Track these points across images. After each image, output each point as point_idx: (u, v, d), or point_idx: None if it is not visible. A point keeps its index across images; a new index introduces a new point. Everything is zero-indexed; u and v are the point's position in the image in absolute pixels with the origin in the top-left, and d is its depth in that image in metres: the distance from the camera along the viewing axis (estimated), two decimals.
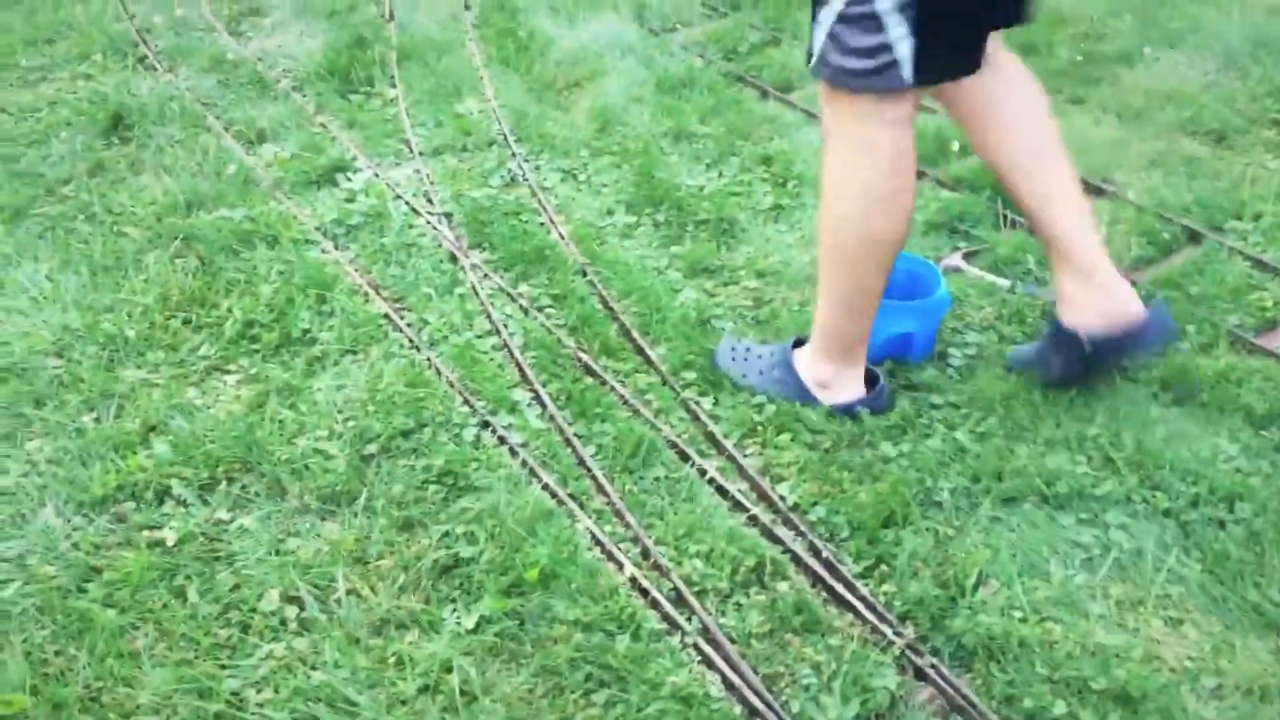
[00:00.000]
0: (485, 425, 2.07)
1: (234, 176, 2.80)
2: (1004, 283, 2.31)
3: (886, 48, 1.67)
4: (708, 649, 1.64)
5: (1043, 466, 1.89)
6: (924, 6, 1.65)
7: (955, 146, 2.77)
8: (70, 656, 1.68)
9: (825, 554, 1.78)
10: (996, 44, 1.85)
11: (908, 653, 1.62)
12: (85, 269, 2.51)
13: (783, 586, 1.74)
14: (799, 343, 2.09)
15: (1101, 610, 1.67)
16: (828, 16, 1.70)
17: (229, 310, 2.37)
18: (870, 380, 2.05)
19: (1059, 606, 1.67)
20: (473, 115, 3.05)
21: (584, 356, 2.21)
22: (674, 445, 2.01)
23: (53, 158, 2.94)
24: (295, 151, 2.92)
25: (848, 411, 2.02)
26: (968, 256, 2.41)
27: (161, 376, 2.22)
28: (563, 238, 2.56)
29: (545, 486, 1.93)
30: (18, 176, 2.85)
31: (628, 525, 1.86)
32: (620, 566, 1.78)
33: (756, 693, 1.57)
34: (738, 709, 1.56)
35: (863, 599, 1.70)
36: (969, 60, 1.79)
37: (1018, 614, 1.66)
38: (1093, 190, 2.60)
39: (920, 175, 2.67)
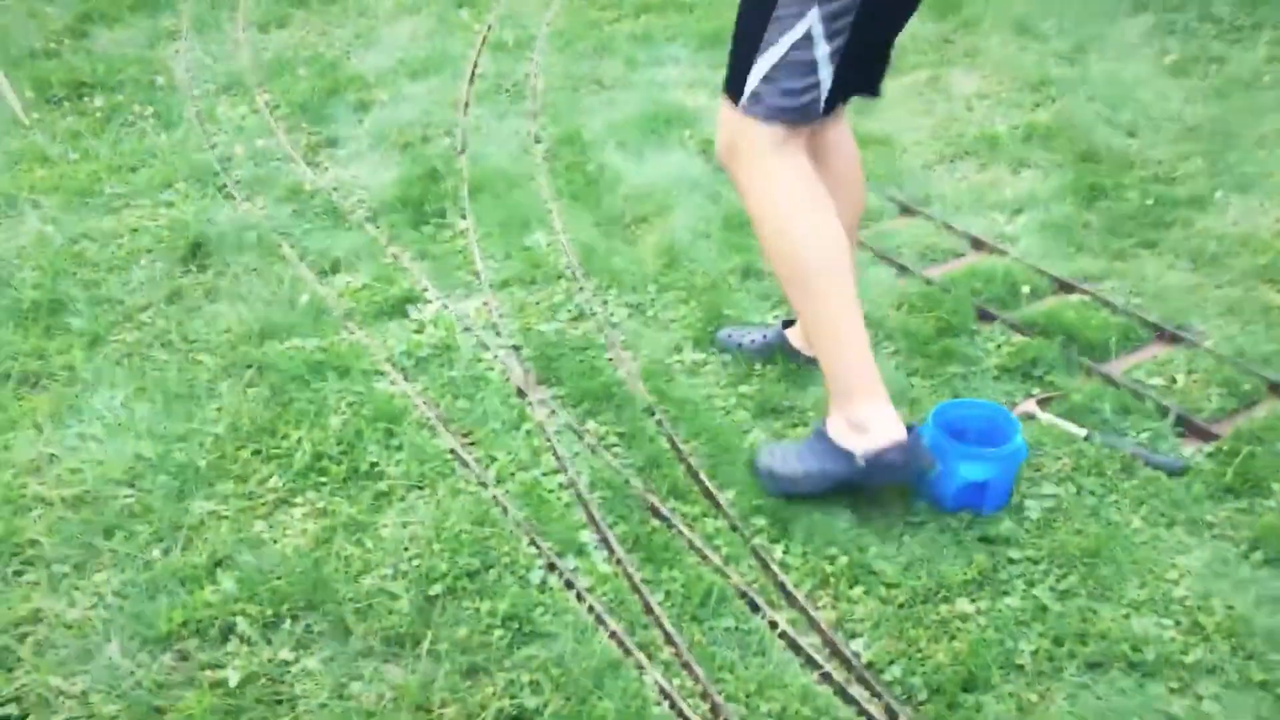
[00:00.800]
0: (551, 568, 2.04)
1: (307, 306, 2.85)
2: (1080, 431, 2.27)
3: (814, 87, 1.91)
4: None
5: (1128, 630, 1.83)
6: (847, 53, 1.89)
7: (1026, 289, 2.74)
8: None
9: (902, 718, 1.72)
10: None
11: None
12: (159, 397, 2.54)
13: None
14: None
15: None
16: (767, 62, 1.89)
17: (298, 441, 2.37)
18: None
19: None
20: (541, 248, 3.09)
21: (651, 498, 2.19)
22: (744, 594, 1.97)
23: (132, 284, 3.01)
24: (367, 282, 2.97)
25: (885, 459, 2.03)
26: (1042, 403, 2.37)
27: (230, 509, 2.23)
28: (630, 374, 2.56)
29: (613, 634, 1.89)
30: (98, 303, 2.91)
31: (696, 679, 1.81)
32: None
33: None
34: None
35: None
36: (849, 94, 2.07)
37: None
38: (1169, 338, 2.57)
39: (990, 319, 2.67)
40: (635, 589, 1.99)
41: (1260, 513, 2.03)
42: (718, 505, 2.17)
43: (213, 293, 2.97)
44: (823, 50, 1.88)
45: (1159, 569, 1.94)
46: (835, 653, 1.85)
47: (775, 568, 2.01)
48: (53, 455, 2.39)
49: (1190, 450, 2.23)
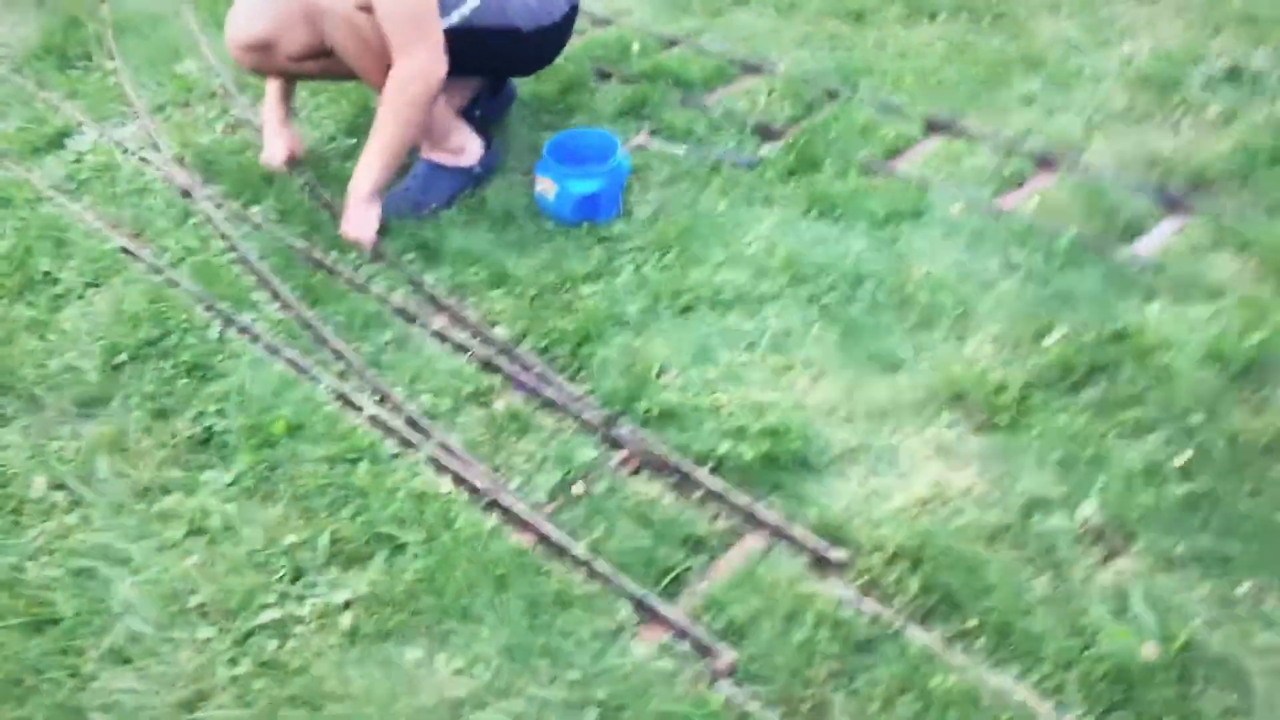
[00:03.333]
0: (229, 323, 2.27)
1: None
2: (679, 150, 2.66)
3: None
4: (440, 457, 1.91)
5: (712, 281, 2.24)
6: None
7: (636, 48, 3.11)
8: None
9: (535, 370, 2.08)
10: None
11: (603, 429, 1.94)
12: None
13: (499, 404, 2.04)
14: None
15: (759, 378, 2.02)
16: None
17: None
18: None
19: (726, 380, 2.02)
20: (193, 74, 3.21)
21: (316, 254, 2.44)
22: (401, 311, 2.27)
23: None
24: (19, 125, 3.02)
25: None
26: (652, 133, 2.75)
27: None
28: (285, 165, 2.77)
29: (289, 361, 2.16)
30: None
31: (363, 379, 2.11)
32: (360, 410, 2.03)
33: (480, 481, 1.85)
34: (465, 496, 1.84)
35: (567, 398, 2.01)
36: None
37: (692, 390, 2.00)
38: (753, 69, 2.99)
39: (607, 76, 3.03)
40: (306, 325, 2.26)
41: (814, 183, 2.49)
42: (378, 252, 2.45)
43: None
44: None
45: (738, 235, 2.36)
46: (481, 338, 2.19)
47: (427, 288, 2.32)
48: None
49: (766, 150, 2.66)
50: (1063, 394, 1.91)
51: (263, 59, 2.55)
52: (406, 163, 2.55)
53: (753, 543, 1.73)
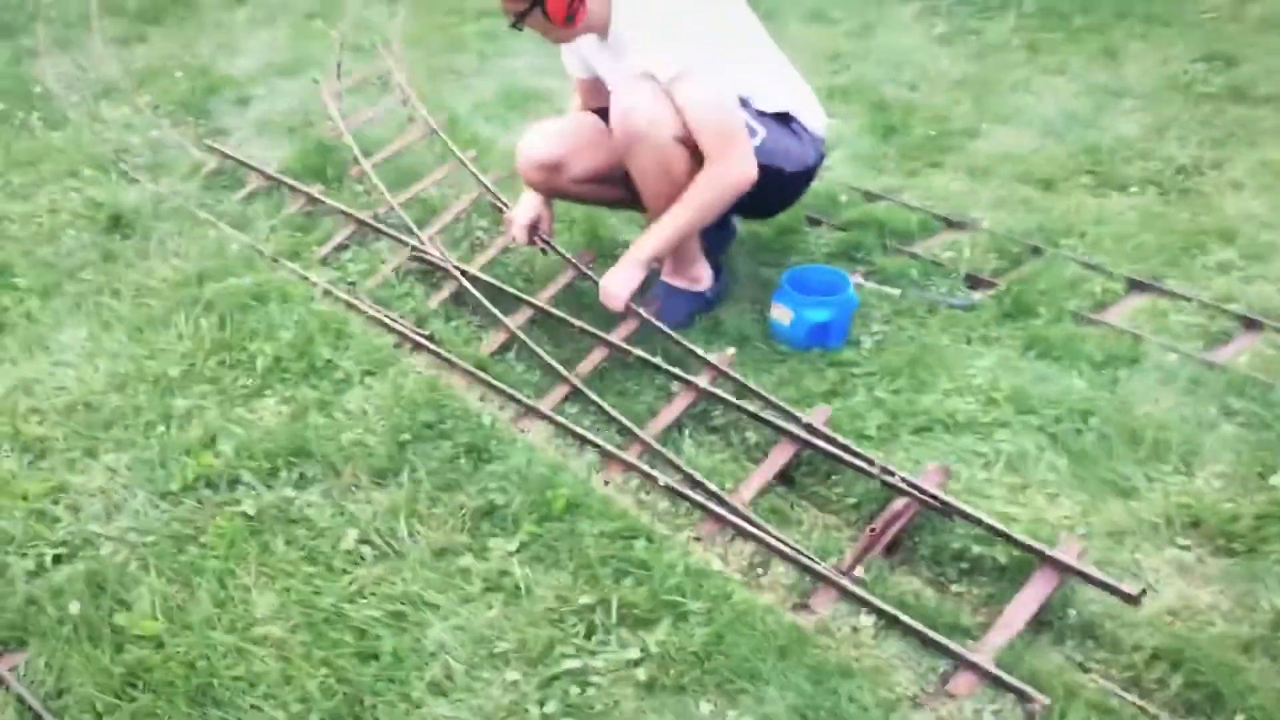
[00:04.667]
0: (501, 409, 2.52)
1: (238, 253, 3.24)
2: (895, 291, 2.90)
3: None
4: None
5: (943, 406, 2.44)
6: None
7: (844, 199, 3.40)
8: (188, 593, 2.06)
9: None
10: None
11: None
12: (120, 329, 2.89)
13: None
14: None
15: (999, 494, 2.20)
16: None
17: (257, 350, 2.78)
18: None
19: (968, 494, 2.20)
20: (433, 196, 3.57)
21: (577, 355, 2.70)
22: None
23: (64, 251, 3.32)
24: (290, 232, 3.38)
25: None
26: (866, 276, 3.00)
27: (210, 402, 2.61)
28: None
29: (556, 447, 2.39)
30: (38, 265, 3.22)
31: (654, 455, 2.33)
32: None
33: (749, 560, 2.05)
34: (738, 576, 2.03)
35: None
36: None
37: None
38: (956, 226, 3.25)
39: (818, 223, 3.31)
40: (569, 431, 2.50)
41: (1030, 328, 2.70)
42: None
43: (143, 253, 3.32)
44: None
45: (962, 368, 2.57)
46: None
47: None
48: (35, 379, 2.72)
49: (978, 295, 2.89)
50: None
51: (550, 177, 2.86)
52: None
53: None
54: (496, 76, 4.69)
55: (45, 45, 5.23)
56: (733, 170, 2.53)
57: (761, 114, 2.66)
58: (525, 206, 2.98)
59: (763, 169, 2.56)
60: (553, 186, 2.90)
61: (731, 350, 2.58)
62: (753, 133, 2.59)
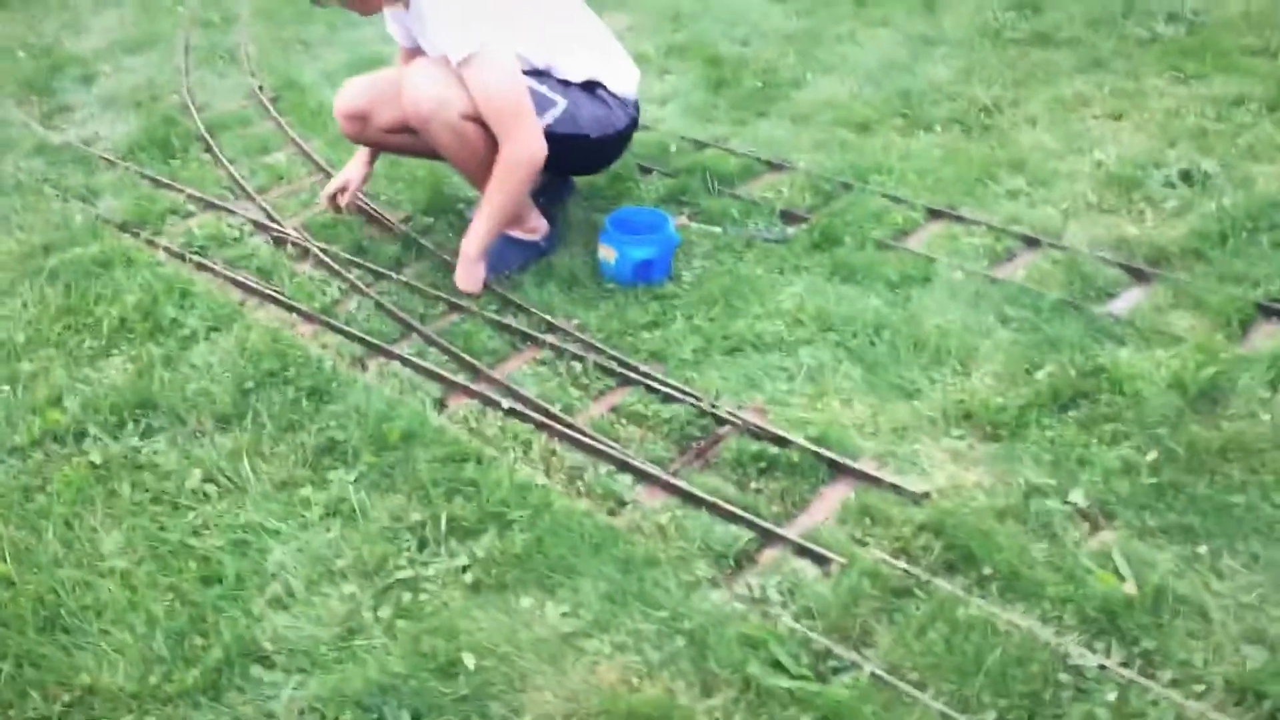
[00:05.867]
0: (340, 356, 2.66)
1: (82, 224, 3.29)
2: (716, 229, 3.10)
3: None
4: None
5: (753, 330, 2.65)
6: None
7: (673, 148, 3.58)
8: (38, 537, 2.16)
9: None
10: None
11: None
12: None
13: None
14: None
15: (799, 403, 2.42)
16: None
17: (103, 314, 2.86)
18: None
19: (772, 404, 2.41)
20: (282, 163, 3.66)
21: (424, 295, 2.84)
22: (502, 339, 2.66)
23: None
24: (133, 201, 3.44)
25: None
26: (691, 217, 3.19)
27: (56, 364, 2.69)
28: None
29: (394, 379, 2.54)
30: None
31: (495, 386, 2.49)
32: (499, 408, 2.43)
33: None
34: (559, 487, 2.21)
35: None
36: None
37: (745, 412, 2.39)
38: (777, 168, 3.47)
39: (649, 171, 3.49)
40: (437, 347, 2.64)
41: (835, 256, 2.92)
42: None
43: None
44: None
45: (773, 295, 2.78)
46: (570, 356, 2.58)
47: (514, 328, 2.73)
48: None
49: (791, 230, 3.11)
50: (1053, 414, 2.31)
51: (360, 128, 3.01)
52: None
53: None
54: (345, 47, 4.77)
55: None
56: (522, 149, 2.71)
57: (566, 83, 2.82)
58: (340, 174, 3.19)
59: (567, 137, 2.75)
60: (364, 137, 3.06)
61: (576, 320, 2.76)
62: (551, 104, 2.78)
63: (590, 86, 2.86)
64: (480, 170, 2.79)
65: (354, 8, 2.79)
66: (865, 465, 2.21)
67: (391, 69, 3.10)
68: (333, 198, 3.17)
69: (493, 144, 2.73)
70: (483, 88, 2.65)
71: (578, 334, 2.68)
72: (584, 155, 2.94)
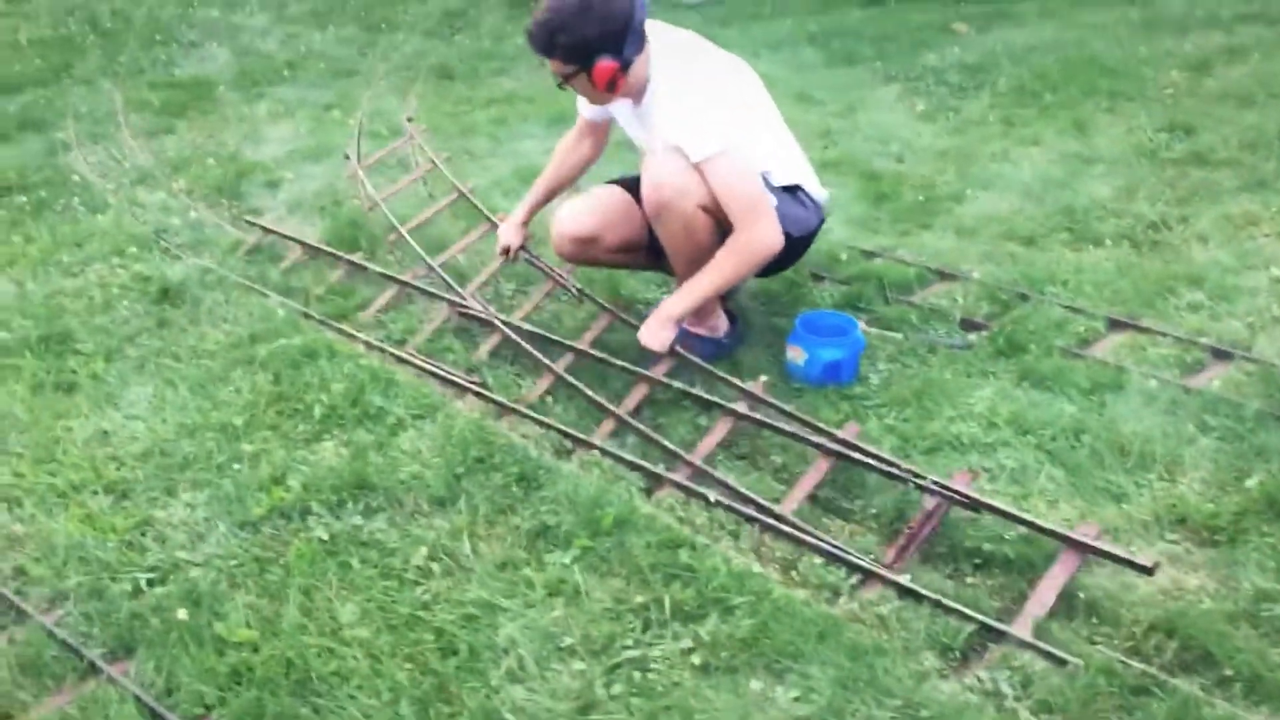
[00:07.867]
0: (547, 446, 2.76)
1: (285, 317, 3.49)
2: (897, 334, 3.18)
3: None
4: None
5: (949, 430, 2.70)
6: None
7: (844, 257, 3.69)
8: (277, 606, 2.27)
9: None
10: None
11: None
12: (183, 386, 3.12)
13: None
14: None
15: (1005, 504, 2.44)
16: None
17: (314, 400, 3.01)
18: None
19: None
20: (462, 265, 3.85)
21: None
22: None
23: (120, 320, 3.55)
24: (330, 295, 3.64)
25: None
26: (868, 323, 3.27)
27: (274, 446, 2.84)
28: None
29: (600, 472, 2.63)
30: (97, 333, 3.46)
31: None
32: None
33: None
34: (776, 575, 2.26)
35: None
36: None
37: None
38: (949, 278, 3.54)
39: (821, 279, 3.59)
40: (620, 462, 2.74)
41: (1022, 362, 2.97)
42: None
43: (195, 320, 3.56)
44: None
45: (963, 398, 2.83)
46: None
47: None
48: (107, 431, 2.95)
49: (973, 337, 3.17)
50: (1270, 520, 2.30)
51: (585, 249, 3.17)
52: None
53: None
54: (509, 157, 5.01)
55: (78, 138, 5.52)
56: (761, 237, 2.83)
57: (773, 186, 2.96)
58: (505, 235, 3.49)
59: None
60: (586, 256, 3.20)
61: (764, 378, 2.84)
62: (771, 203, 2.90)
63: (793, 190, 2.98)
64: (695, 263, 2.91)
65: (593, 99, 2.98)
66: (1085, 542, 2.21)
67: (602, 187, 3.25)
68: (510, 249, 3.46)
69: (717, 240, 2.86)
70: (726, 183, 2.80)
71: (779, 424, 2.73)
72: (782, 252, 3.02)
